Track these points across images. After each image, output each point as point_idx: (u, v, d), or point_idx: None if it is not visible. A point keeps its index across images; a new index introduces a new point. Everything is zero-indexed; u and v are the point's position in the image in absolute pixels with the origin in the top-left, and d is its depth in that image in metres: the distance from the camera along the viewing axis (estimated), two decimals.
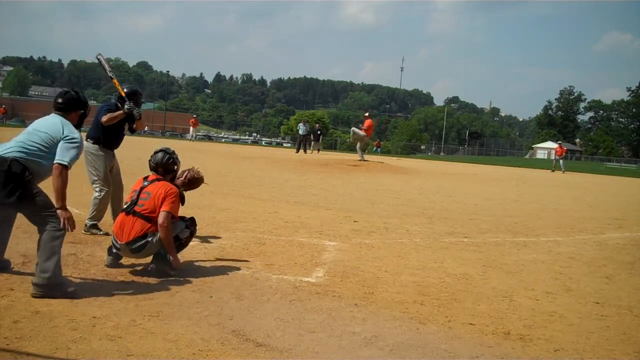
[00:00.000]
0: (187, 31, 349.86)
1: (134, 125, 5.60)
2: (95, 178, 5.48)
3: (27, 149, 3.58)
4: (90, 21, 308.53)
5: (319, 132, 30.80)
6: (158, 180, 4.33)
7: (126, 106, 5.34)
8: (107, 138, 5.53)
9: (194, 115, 43.03)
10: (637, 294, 4.64)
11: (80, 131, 3.88)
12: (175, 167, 4.50)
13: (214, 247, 5.27)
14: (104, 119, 5.38)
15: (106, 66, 5.56)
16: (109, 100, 5.64)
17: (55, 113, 3.82)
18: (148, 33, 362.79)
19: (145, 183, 4.31)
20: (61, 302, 3.43)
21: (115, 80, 5.54)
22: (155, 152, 4.48)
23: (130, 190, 4.43)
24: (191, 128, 37.31)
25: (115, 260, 4.34)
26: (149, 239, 4.12)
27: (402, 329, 3.44)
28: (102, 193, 5.45)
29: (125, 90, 5.59)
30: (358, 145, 19.29)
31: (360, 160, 18.38)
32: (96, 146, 5.48)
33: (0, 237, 3.87)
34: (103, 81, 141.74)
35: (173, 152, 4.52)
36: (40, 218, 3.55)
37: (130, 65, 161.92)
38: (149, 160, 4.47)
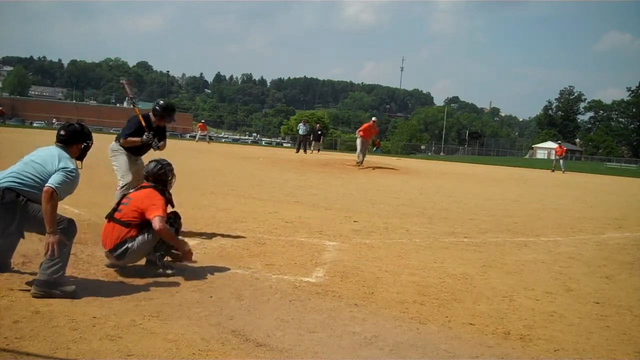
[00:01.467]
0: (187, 31, 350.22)
1: (158, 148, 5.65)
2: (117, 171, 5.66)
3: (21, 179, 3.59)
4: (90, 21, 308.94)
5: (319, 132, 30.78)
6: (145, 187, 4.34)
7: (144, 137, 5.47)
8: (129, 147, 5.63)
9: (202, 120, 42.80)
10: (637, 294, 4.64)
11: (82, 164, 3.91)
12: (166, 177, 4.45)
13: (214, 247, 5.27)
14: (122, 141, 5.55)
15: (129, 92, 5.58)
16: (144, 113, 5.65)
17: (56, 145, 3.83)
18: (148, 33, 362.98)
19: (131, 190, 4.33)
20: (61, 302, 3.43)
21: (137, 109, 5.61)
22: (149, 162, 4.53)
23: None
24: (199, 131, 37.03)
25: None
26: (128, 245, 4.10)
27: (402, 329, 3.44)
28: (123, 184, 5.56)
29: (161, 102, 5.73)
30: (360, 147, 17.62)
31: (357, 163, 17.22)
32: (118, 144, 5.62)
33: (11, 241, 3.86)
34: (103, 81, 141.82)
35: (167, 163, 4.52)
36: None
37: (130, 65, 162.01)
38: (143, 170, 4.49)
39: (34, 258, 4.23)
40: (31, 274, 3.83)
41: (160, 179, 4.42)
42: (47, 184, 3.51)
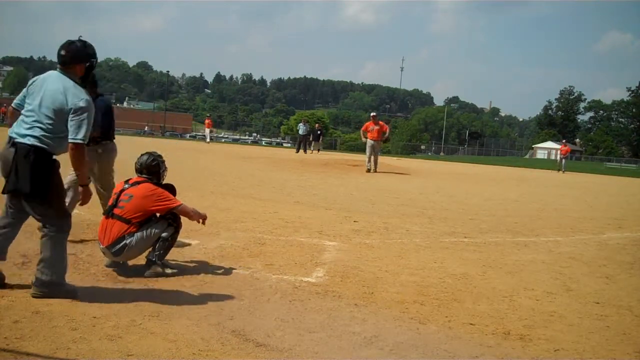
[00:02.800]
0: (187, 31, 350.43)
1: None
2: None
3: (43, 130, 3.41)
4: (90, 21, 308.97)
5: (319, 132, 30.81)
6: (140, 182, 4.32)
7: None
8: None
9: (208, 115, 42.57)
10: (637, 294, 4.64)
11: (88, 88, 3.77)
12: (159, 168, 4.46)
13: (214, 247, 5.27)
14: None
15: None
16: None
17: (59, 69, 3.57)
18: (148, 33, 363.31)
19: (126, 186, 4.31)
20: (61, 302, 3.43)
21: None
22: (141, 155, 4.52)
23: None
24: (206, 129, 36.68)
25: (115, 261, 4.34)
26: (127, 241, 4.10)
27: (402, 329, 3.44)
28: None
29: None
30: (367, 151, 16.15)
31: (367, 168, 16.04)
32: None
33: (11, 231, 3.71)
34: (103, 81, 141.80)
35: (159, 155, 4.53)
36: (51, 217, 3.51)
37: (130, 65, 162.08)
38: (135, 163, 4.49)
39: (34, 258, 4.22)
40: (31, 274, 3.82)
41: (154, 170, 4.41)
42: (69, 140, 3.40)
